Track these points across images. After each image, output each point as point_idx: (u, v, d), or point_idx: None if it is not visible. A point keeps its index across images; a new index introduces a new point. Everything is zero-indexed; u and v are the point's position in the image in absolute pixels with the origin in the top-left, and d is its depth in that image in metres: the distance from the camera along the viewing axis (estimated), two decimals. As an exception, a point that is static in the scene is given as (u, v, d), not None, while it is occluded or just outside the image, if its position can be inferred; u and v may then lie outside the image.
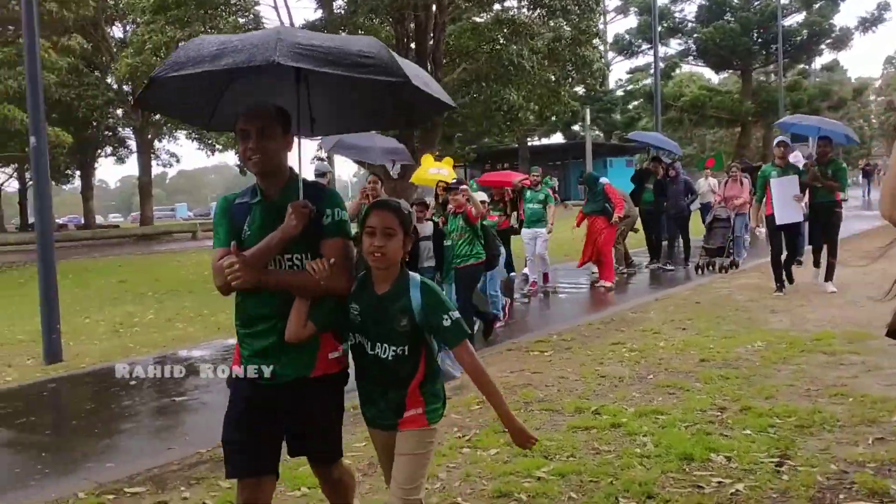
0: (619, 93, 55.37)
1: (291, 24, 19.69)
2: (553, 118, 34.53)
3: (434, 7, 18.91)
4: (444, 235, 8.23)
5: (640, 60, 53.94)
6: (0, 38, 25.69)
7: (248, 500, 2.86)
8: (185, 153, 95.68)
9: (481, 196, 9.22)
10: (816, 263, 10.58)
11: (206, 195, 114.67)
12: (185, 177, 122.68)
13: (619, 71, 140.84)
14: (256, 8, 20.37)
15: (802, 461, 4.28)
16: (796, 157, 13.30)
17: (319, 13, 20.94)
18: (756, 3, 46.04)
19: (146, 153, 44.04)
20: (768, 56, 47.26)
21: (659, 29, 31.92)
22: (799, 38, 46.63)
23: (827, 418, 4.99)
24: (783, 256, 10.53)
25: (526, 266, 12.87)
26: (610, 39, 51.62)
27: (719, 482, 4.03)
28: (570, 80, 23.08)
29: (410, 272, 2.91)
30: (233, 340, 3.14)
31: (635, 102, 53.73)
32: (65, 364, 8.21)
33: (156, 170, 53.26)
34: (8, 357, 8.80)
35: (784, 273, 10.46)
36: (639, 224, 14.62)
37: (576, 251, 13.45)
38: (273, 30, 3.09)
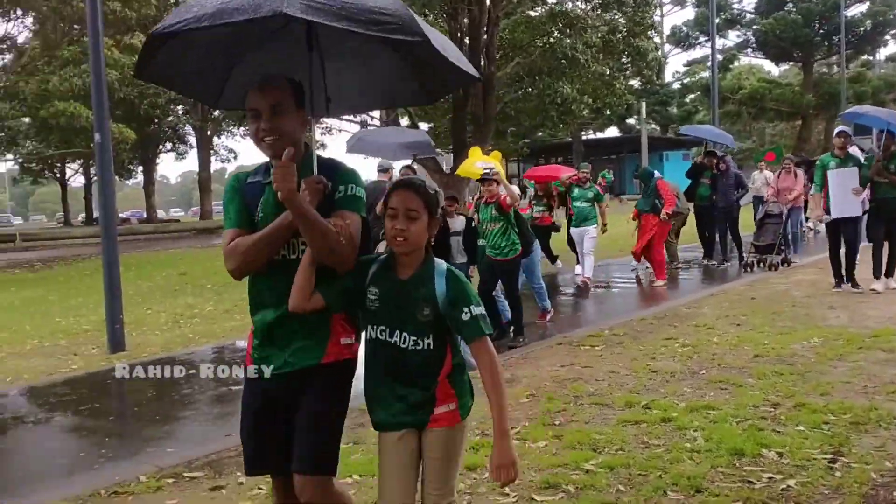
0: (676, 86, 54.59)
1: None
2: (608, 112, 34.26)
3: (488, 2, 18.92)
4: (477, 232, 8.14)
5: (697, 53, 53.31)
6: (65, 37, 26.42)
7: (281, 500, 2.80)
8: (242, 149, 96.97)
9: (514, 189, 9.13)
10: (876, 259, 10.28)
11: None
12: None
13: (675, 64, 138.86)
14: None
15: (856, 458, 4.22)
16: (854, 151, 12.93)
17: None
18: (818, -7, 44.97)
19: (205, 149, 44.99)
20: (830, 47, 46.17)
21: (717, 20, 31.36)
22: (862, 29, 45.42)
23: (883, 416, 4.91)
24: (843, 251, 10.27)
25: (577, 264, 12.74)
26: (667, 32, 50.98)
27: (770, 478, 4.00)
28: (624, 72, 22.89)
29: (437, 258, 2.70)
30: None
31: (692, 95, 52.92)
32: (127, 353, 8.48)
33: (214, 165, 54.36)
34: (74, 346, 9.12)
35: (844, 271, 10.19)
36: (690, 218, 14.41)
37: (630, 246, 13.31)
38: None
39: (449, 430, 2.63)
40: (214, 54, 2.89)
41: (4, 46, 22.36)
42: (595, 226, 11.96)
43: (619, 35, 20.68)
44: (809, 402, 5.23)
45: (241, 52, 2.96)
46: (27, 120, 34.26)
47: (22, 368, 7.98)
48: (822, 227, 12.23)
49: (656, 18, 32.69)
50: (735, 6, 48.37)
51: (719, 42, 46.32)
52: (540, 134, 37.93)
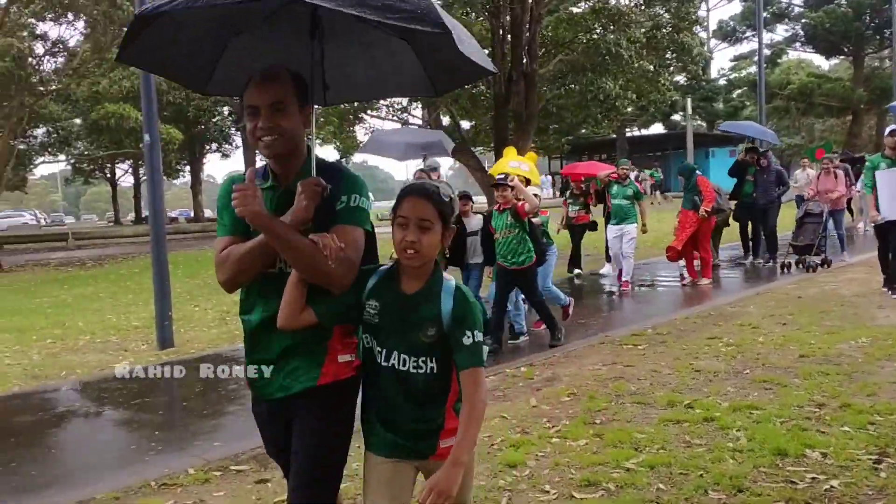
0: (722, 81, 53.81)
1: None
2: (652, 108, 33.93)
3: (531, -1, 18.89)
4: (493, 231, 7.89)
5: (744, 47, 52.48)
6: (115, 40, 26.98)
7: None
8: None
9: (533, 191, 8.83)
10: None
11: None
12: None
13: (722, 59, 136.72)
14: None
15: (903, 460, 4.16)
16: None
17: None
18: (870, -14, 43.96)
19: (250, 149, 45.51)
20: (882, 41, 45.07)
21: (764, 14, 30.87)
22: (915, 22, 44.27)
23: (933, 417, 4.83)
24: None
25: (609, 263, 12.49)
26: (713, 26, 50.29)
27: (813, 478, 3.96)
28: (669, 68, 22.65)
29: (445, 275, 2.43)
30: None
31: (739, 91, 52.12)
32: (176, 349, 8.66)
33: (259, 164, 55.03)
34: (124, 342, 9.35)
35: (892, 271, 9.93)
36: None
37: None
38: None
39: None
40: (204, 37, 2.66)
41: (57, 50, 22.95)
42: (635, 225, 11.62)
43: (664, 31, 20.47)
44: (855, 403, 5.16)
45: (233, 34, 2.72)
46: (79, 122, 35.10)
47: (75, 364, 8.20)
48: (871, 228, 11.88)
49: (701, 13, 32.28)
50: (783, 0, 47.55)
51: (767, 36, 45.65)
52: (583, 131, 37.66)
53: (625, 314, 10.17)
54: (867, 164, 10.38)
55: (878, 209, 9.64)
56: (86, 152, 39.09)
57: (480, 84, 20.86)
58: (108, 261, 23.11)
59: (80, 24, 24.84)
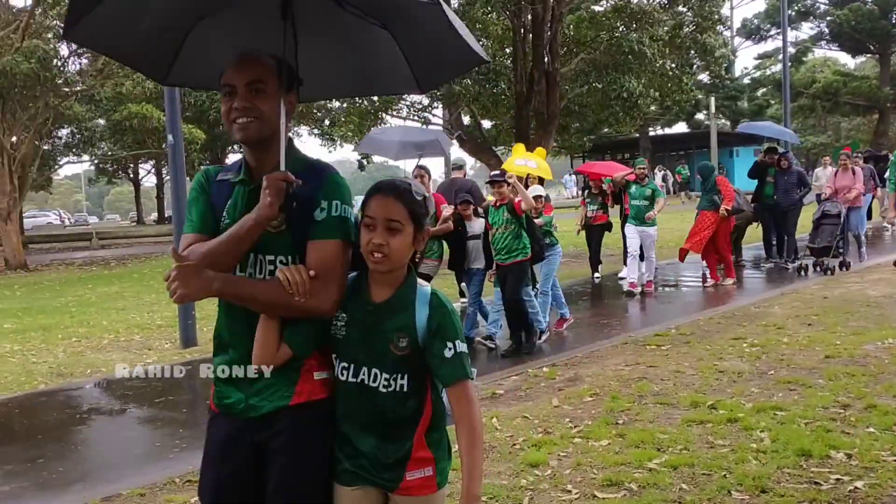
0: (746, 80, 53.37)
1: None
2: (675, 108, 33.74)
3: (552, -1, 18.82)
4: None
5: (768, 45, 52.03)
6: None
7: None
8: (307, 149, 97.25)
9: (537, 190, 8.55)
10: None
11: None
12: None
13: (746, 57, 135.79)
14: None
15: (930, 462, 4.11)
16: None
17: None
18: (896, -17, 43.47)
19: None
20: (909, 39, 44.52)
21: (789, 12, 30.60)
22: (943, 20, 43.76)
23: (960, 419, 4.76)
24: None
25: (626, 265, 12.36)
26: (737, 24, 49.90)
27: (837, 479, 3.93)
28: (692, 67, 22.48)
29: (420, 281, 2.21)
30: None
31: (763, 90, 51.69)
32: (199, 348, 8.73)
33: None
34: (148, 341, 9.43)
35: None
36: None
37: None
38: None
39: (419, 500, 2.15)
40: (163, 18, 2.39)
41: (82, 51, 23.15)
42: (655, 227, 11.40)
43: (686, 30, 20.33)
44: (881, 404, 5.10)
45: (196, 17, 2.45)
46: (102, 122, 35.38)
47: (100, 362, 8.29)
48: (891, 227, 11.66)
49: (725, 12, 32.03)
50: (807, -3, 47.16)
51: (792, 34, 45.22)
52: (605, 130, 37.52)
53: (648, 315, 10.11)
54: (892, 160, 10.24)
55: None
56: (109, 152, 39.39)
57: (501, 83, 20.82)
58: (131, 260, 23.35)
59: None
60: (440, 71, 2.69)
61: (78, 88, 24.85)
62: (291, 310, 2.06)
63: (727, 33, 42.96)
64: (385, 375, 2.12)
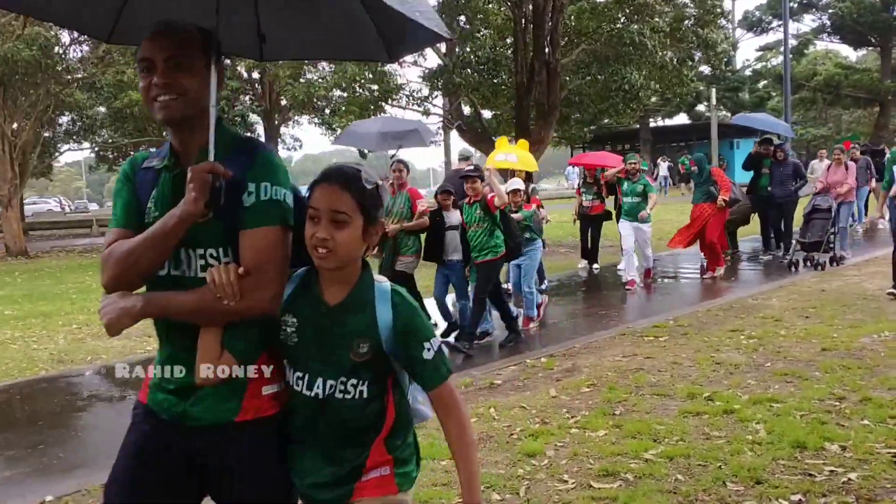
0: (748, 72, 53.26)
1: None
2: (676, 100, 33.69)
3: (553, -11, 18.78)
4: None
5: (770, 37, 51.91)
6: (141, 29, 27.17)
7: None
8: (307, 138, 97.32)
9: (516, 184, 8.41)
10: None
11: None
12: (310, 160, 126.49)
13: (747, 48, 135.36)
14: None
15: (923, 454, 4.15)
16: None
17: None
18: (898, -25, 43.37)
19: (273, 138, 45.73)
20: (911, 31, 44.43)
21: (791, 4, 30.53)
22: (945, 12, 43.66)
23: (954, 412, 4.80)
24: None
25: (622, 261, 12.32)
26: (738, 16, 49.78)
27: (831, 471, 3.96)
28: (693, 60, 22.45)
29: (377, 277, 2.00)
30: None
31: (764, 82, 51.60)
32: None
33: (282, 153, 55.28)
34: (149, 329, 9.37)
35: None
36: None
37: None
38: None
39: (376, 501, 1.96)
40: None
41: (83, 39, 23.10)
42: (650, 224, 11.31)
43: (687, 22, 20.29)
44: (876, 397, 5.14)
45: None
46: (103, 109, 35.34)
47: (100, 349, 8.33)
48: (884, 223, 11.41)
49: (727, 5, 31.98)
50: (810, -11, 47.03)
51: (793, 27, 45.12)
52: (606, 121, 37.50)
53: (646, 306, 10.14)
54: (889, 156, 10.14)
55: (889, 206, 9.28)
56: (110, 140, 39.35)
57: (502, 73, 20.79)
58: (132, 248, 23.33)
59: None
60: (407, 40, 2.54)
61: (79, 76, 24.84)
62: (228, 314, 1.86)
63: (729, 26, 42.84)
64: (342, 383, 1.92)
